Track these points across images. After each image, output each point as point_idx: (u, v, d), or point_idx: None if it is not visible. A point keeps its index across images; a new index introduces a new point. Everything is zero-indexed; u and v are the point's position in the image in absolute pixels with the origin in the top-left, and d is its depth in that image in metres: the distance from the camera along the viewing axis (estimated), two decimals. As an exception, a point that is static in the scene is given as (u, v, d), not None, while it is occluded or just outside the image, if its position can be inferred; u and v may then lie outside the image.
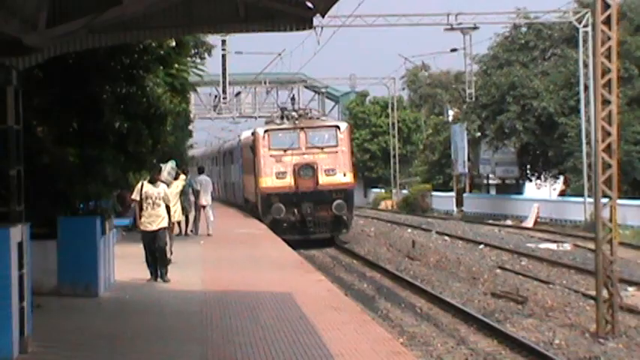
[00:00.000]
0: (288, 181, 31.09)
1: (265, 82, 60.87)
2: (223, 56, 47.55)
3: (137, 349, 10.84)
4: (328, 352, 10.21)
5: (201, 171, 29.99)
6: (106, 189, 16.38)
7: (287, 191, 30.99)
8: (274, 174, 31.24)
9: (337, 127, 32.80)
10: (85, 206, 15.76)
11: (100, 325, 12.45)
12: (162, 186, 16.44)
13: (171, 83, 16.98)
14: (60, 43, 12.00)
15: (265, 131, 32.38)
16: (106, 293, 14.87)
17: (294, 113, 33.45)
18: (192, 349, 10.63)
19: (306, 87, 67.60)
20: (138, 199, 16.22)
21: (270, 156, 31.52)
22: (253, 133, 33.50)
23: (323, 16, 13.47)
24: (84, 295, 14.21)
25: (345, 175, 31.44)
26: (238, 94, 63.86)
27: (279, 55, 50.08)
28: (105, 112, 14.56)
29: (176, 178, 21.71)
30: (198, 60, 23.67)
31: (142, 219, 16.12)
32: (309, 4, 12.37)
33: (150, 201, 15.99)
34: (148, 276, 16.45)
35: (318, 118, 35.13)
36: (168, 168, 19.82)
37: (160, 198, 16.05)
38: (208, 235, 26.53)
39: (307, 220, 30.81)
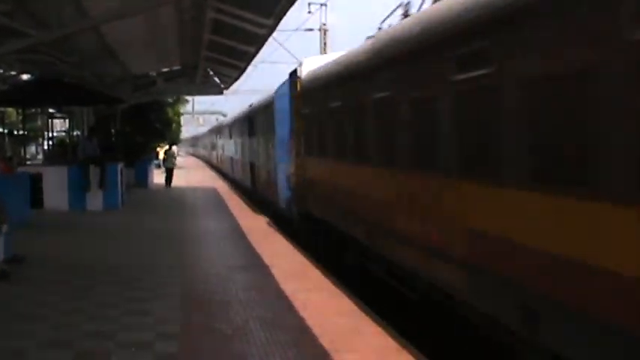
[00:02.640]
0: None
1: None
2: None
3: (163, 206, 28.39)
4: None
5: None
6: (150, 150, 34.96)
7: None
8: None
9: None
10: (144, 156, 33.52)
11: (150, 197, 29.14)
12: (174, 148, 34.59)
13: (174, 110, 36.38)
14: (136, 98, 29.62)
15: None
16: (150, 187, 31.94)
17: None
18: (181, 205, 28.60)
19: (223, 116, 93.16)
20: (164, 153, 34.88)
21: None
22: None
23: (227, 89, 31.69)
24: (143, 187, 31.07)
25: None
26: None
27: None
28: (153, 122, 33.21)
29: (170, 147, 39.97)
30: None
31: (165, 162, 33.96)
32: (222, 85, 30.59)
33: (169, 154, 33.72)
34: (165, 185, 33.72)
35: None
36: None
37: (174, 155, 33.95)
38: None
39: None
